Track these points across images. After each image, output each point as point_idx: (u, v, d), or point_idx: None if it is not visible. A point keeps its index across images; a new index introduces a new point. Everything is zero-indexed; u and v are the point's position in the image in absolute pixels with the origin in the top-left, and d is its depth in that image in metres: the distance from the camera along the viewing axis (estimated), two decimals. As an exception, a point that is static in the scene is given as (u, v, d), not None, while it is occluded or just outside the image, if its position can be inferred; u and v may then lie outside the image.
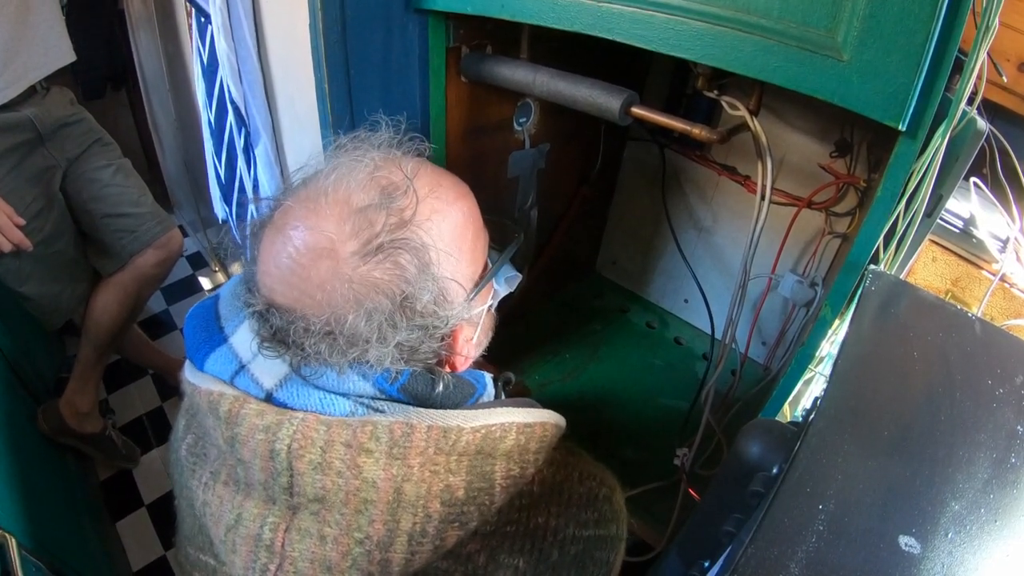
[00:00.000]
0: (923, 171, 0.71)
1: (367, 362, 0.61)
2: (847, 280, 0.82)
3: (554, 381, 1.55)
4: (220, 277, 2.78)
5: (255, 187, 1.74)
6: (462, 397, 0.69)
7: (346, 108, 1.04)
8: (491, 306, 0.77)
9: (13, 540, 1.07)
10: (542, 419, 0.68)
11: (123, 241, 1.78)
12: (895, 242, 0.79)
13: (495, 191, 1.29)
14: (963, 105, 0.70)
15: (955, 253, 1.31)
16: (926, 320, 0.73)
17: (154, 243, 1.83)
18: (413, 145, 0.69)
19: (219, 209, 1.98)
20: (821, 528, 0.49)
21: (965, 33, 0.61)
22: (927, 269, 1.35)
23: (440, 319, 0.64)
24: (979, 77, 0.74)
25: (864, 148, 1.15)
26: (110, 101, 2.74)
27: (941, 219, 1.27)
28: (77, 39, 1.70)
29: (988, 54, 0.74)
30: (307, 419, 0.59)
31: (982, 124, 0.84)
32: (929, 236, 1.16)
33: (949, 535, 0.50)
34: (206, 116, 1.77)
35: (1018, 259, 1.26)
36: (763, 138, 0.94)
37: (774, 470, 0.66)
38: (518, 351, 1.60)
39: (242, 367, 0.65)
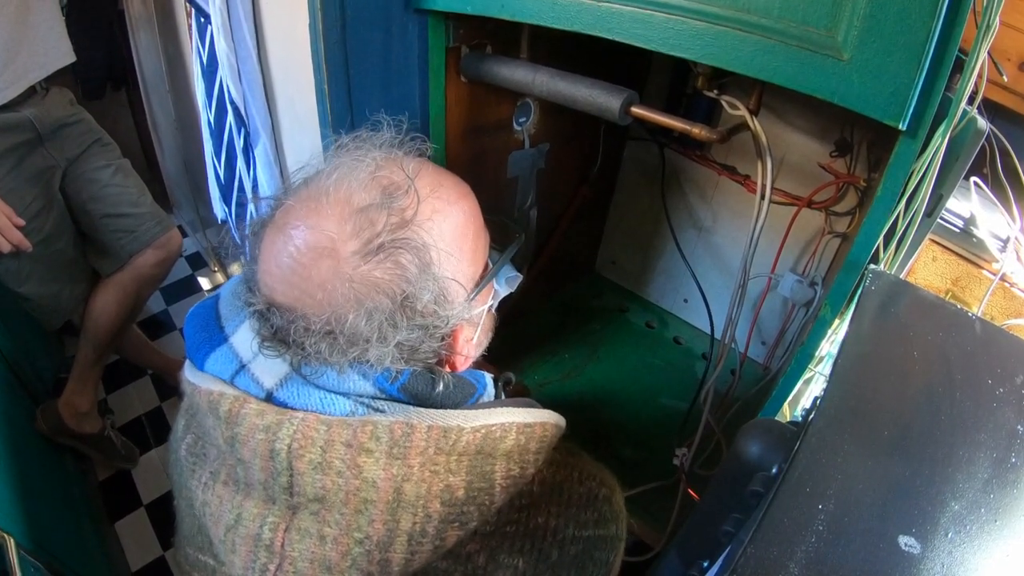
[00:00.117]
0: (923, 170, 0.71)
1: (367, 362, 0.61)
2: (847, 280, 0.82)
3: (553, 381, 1.55)
4: (219, 277, 2.77)
5: (254, 187, 1.74)
6: (462, 397, 0.69)
7: (346, 108, 1.04)
8: (491, 306, 0.77)
9: (12, 540, 1.07)
10: (542, 419, 0.67)
11: (122, 241, 1.78)
12: (895, 242, 0.79)
13: (495, 191, 1.29)
14: (963, 104, 0.70)
15: (955, 253, 1.31)
16: (926, 320, 0.73)
17: (153, 243, 1.83)
18: (415, 145, 0.69)
19: (218, 209, 1.98)
20: (821, 528, 0.49)
21: (965, 32, 0.61)
22: (927, 269, 1.35)
23: (440, 319, 0.64)
24: (980, 76, 0.74)
25: (864, 147, 1.15)
26: (110, 101, 2.74)
27: (941, 219, 1.27)
28: (77, 39, 1.70)
29: (989, 53, 0.74)
30: (307, 419, 0.59)
31: (982, 123, 0.84)
32: (929, 236, 1.16)
33: (949, 535, 0.50)
34: (206, 116, 1.77)
35: (1018, 259, 1.26)
36: (763, 138, 0.94)
37: (773, 470, 0.66)
38: (518, 351, 1.60)
39: (242, 367, 0.65)
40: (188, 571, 0.74)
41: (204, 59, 1.66)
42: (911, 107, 0.64)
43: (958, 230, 1.29)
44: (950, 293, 1.33)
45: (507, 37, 1.11)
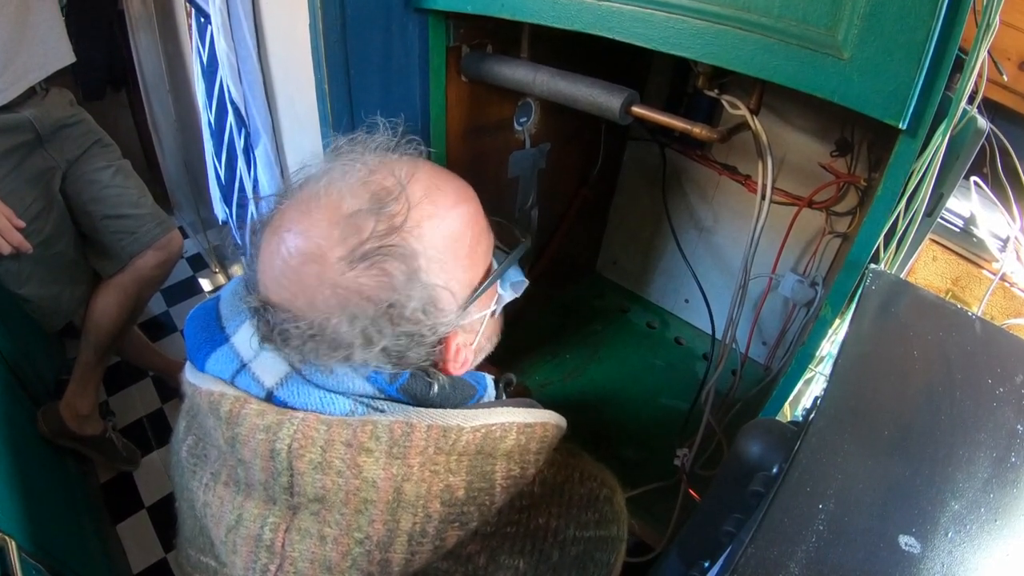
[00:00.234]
0: (923, 170, 0.71)
1: (356, 364, 0.62)
2: (847, 279, 0.81)
3: (555, 381, 1.55)
4: (220, 279, 2.77)
5: (255, 188, 1.74)
6: (461, 399, 0.69)
7: (346, 108, 1.04)
8: (495, 311, 0.76)
9: (13, 543, 1.07)
10: (543, 419, 0.68)
11: (123, 243, 1.78)
12: (895, 241, 0.79)
13: (496, 191, 1.29)
14: (963, 104, 0.70)
15: (955, 252, 1.31)
16: (926, 319, 0.73)
17: (154, 244, 1.82)
18: (411, 148, 0.69)
19: (219, 210, 1.98)
20: (821, 528, 0.49)
21: (965, 31, 0.61)
22: (927, 268, 1.35)
23: (427, 327, 0.63)
24: (980, 76, 0.74)
25: (864, 147, 1.15)
26: (110, 102, 2.74)
27: (941, 218, 1.27)
28: (76, 40, 1.70)
29: (989, 52, 0.74)
30: (307, 419, 0.59)
31: (982, 123, 0.84)
32: (929, 235, 1.16)
33: (949, 534, 0.50)
34: (206, 117, 1.77)
35: (1018, 258, 1.26)
36: (764, 137, 0.94)
37: (774, 470, 0.66)
38: (518, 351, 1.60)
39: (243, 366, 0.65)
40: (190, 572, 0.74)
41: (204, 59, 1.66)
42: (911, 106, 0.64)
43: (958, 230, 1.29)
44: (950, 293, 1.33)
45: (508, 36, 1.11)
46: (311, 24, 0.96)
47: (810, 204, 1.22)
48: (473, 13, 0.95)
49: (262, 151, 1.68)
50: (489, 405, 0.69)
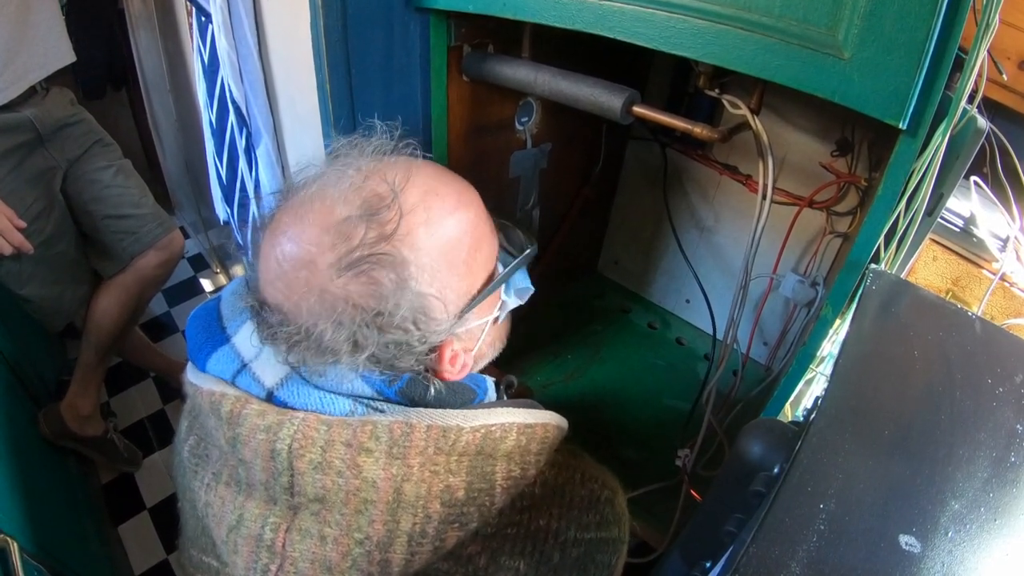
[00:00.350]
0: (924, 170, 0.71)
1: (346, 368, 0.62)
2: (848, 280, 0.81)
3: (556, 382, 1.55)
4: (222, 279, 2.78)
5: (257, 188, 1.74)
6: (460, 403, 0.68)
7: (347, 108, 1.04)
8: (498, 318, 0.75)
9: (15, 544, 1.07)
10: (543, 420, 0.67)
11: (124, 243, 1.78)
12: (896, 241, 0.79)
13: (497, 191, 1.29)
14: (963, 103, 0.70)
15: (956, 252, 1.31)
16: (927, 319, 0.73)
17: (155, 244, 1.83)
18: (408, 151, 0.68)
19: (220, 210, 1.97)
20: (822, 527, 0.49)
21: (965, 31, 0.61)
22: (928, 268, 1.35)
23: (416, 336, 0.62)
24: (979, 75, 0.74)
25: (865, 147, 1.15)
26: (110, 101, 2.74)
27: (941, 218, 1.27)
28: (77, 39, 1.71)
29: (988, 52, 0.74)
30: (308, 419, 0.59)
31: (982, 122, 0.84)
32: (930, 235, 1.16)
33: (949, 534, 0.50)
34: (207, 116, 1.77)
35: (1018, 258, 1.26)
36: (764, 137, 0.94)
37: (775, 470, 0.66)
38: (519, 352, 1.60)
39: (244, 366, 0.65)
40: (192, 572, 0.74)
41: (205, 58, 1.65)
42: (911, 106, 0.64)
43: (958, 230, 1.29)
44: (950, 293, 1.33)
45: (509, 36, 1.11)
46: (312, 23, 0.96)
47: (811, 204, 1.22)
48: (474, 12, 0.95)
49: (263, 151, 1.68)
50: (489, 405, 0.69)
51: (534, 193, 1.32)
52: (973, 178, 1.28)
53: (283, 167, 1.69)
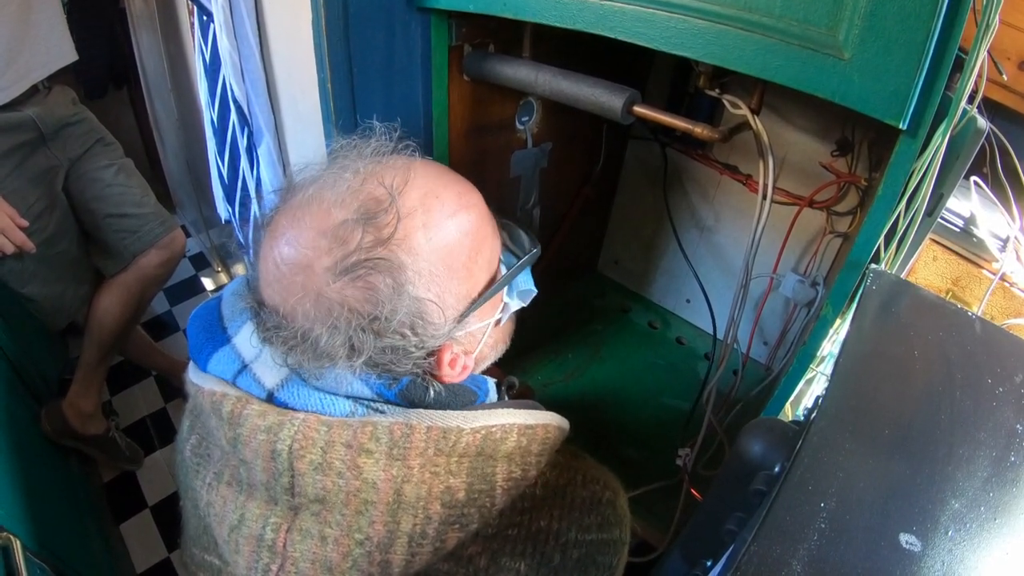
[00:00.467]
0: (924, 170, 0.71)
1: (343, 371, 0.62)
2: (848, 279, 0.82)
3: (556, 382, 1.55)
4: (223, 278, 2.78)
5: (258, 187, 1.74)
6: (460, 405, 0.68)
7: (349, 107, 1.04)
8: (500, 320, 0.75)
9: (17, 542, 1.08)
10: (544, 421, 0.67)
11: (126, 241, 1.79)
12: (896, 241, 0.79)
13: (497, 190, 1.29)
14: (963, 104, 0.70)
15: (955, 252, 1.31)
16: (927, 319, 0.73)
17: (157, 243, 1.83)
18: (407, 152, 0.68)
19: (222, 209, 1.97)
20: (823, 526, 0.49)
21: (965, 31, 0.61)
22: (928, 268, 1.35)
23: (413, 341, 0.62)
24: (979, 75, 0.74)
25: (865, 147, 1.15)
26: (112, 100, 2.74)
27: (942, 218, 1.27)
28: (79, 38, 1.71)
29: (988, 52, 0.74)
30: (308, 420, 0.59)
31: (982, 123, 0.84)
32: (930, 235, 1.16)
33: (949, 533, 0.50)
34: (208, 115, 1.77)
35: (1018, 258, 1.26)
36: (765, 137, 0.94)
37: (776, 469, 0.66)
38: (519, 351, 1.58)
39: (244, 366, 0.65)
40: (194, 571, 0.74)
41: (207, 57, 1.65)
42: (911, 106, 0.64)
43: (958, 230, 1.29)
44: (950, 293, 1.33)
45: (510, 36, 1.11)
46: (314, 22, 0.96)
47: (811, 204, 1.22)
48: (475, 12, 0.95)
49: (265, 150, 1.68)
50: (490, 406, 0.69)
51: (535, 192, 1.32)
52: (973, 178, 1.28)
53: (284, 166, 1.69)
